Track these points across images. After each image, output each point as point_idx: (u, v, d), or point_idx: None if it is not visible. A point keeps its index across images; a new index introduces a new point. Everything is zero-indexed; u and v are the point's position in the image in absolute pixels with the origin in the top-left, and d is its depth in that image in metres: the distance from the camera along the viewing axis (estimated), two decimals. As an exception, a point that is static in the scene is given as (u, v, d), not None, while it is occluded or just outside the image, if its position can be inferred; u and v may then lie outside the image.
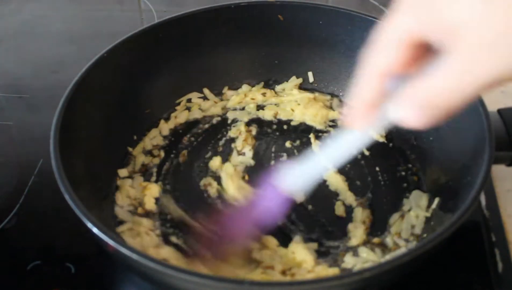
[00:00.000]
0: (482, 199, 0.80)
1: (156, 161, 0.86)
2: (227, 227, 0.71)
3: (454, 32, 0.43)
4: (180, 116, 0.92)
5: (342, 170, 0.82)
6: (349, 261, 0.71)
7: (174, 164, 0.86)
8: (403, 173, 0.83)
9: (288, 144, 0.88)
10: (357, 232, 0.74)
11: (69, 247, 0.76)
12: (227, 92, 0.96)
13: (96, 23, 1.19)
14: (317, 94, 0.95)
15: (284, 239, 0.74)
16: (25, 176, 0.85)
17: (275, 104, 0.94)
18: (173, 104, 0.93)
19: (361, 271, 0.57)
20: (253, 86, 0.97)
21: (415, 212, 0.76)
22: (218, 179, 0.83)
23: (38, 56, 1.10)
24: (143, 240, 0.73)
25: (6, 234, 0.78)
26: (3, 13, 1.22)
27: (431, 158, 0.81)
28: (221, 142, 0.89)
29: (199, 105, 0.94)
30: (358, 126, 0.56)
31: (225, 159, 0.86)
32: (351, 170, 0.83)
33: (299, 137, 0.89)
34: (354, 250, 0.73)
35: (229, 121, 0.92)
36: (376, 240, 0.74)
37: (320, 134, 0.90)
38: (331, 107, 0.94)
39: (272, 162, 0.86)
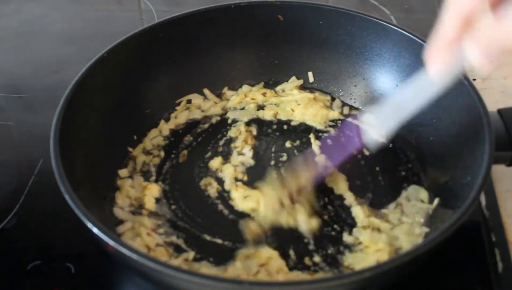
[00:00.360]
0: (482, 199, 0.80)
1: (156, 161, 0.86)
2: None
3: None
4: (180, 116, 0.92)
5: (342, 170, 0.82)
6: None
7: (174, 164, 0.86)
8: (403, 173, 0.83)
9: (288, 144, 0.88)
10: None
11: (69, 247, 0.76)
12: (227, 92, 0.96)
13: (96, 23, 1.19)
14: (317, 94, 0.95)
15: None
16: (25, 176, 0.85)
17: (275, 104, 0.94)
18: (173, 104, 0.93)
19: (361, 271, 0.57)
20: (253, 86, 0.97)
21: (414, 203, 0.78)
22: (218, 179, 0.83)
23: (38, 56, 1.10)
24: (143, 240, 0.73)
25: (6, 234, 0.78)
26: (3, 13, 1.22)
27: (431, 158, 0.81)
28: (221, 142, 0.89)
29: (199, 105, 0.94)
30: (436, 62, 0.59)
31: (225, 159, 0.86)
32: (351, 170, 0.83)
33: (299, 137, 0.89)
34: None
35: (229, 121, 0.92)
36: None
37: (320, 134, 0.90)
38: (331, 107, 0.94)
39: (272, 162, 0.86)
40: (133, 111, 0.87)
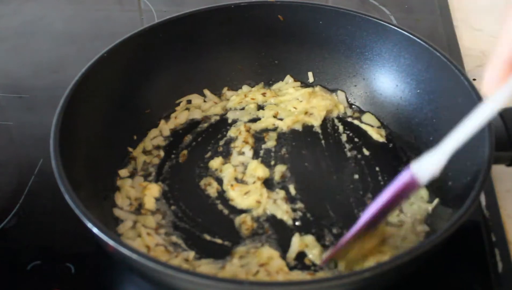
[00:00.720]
0: (482, 199, 0.80)
1: (156, 161, 0.86)
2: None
3: None
4: (180, 116, 0.92)
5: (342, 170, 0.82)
6: None
7: (174, 164, 0.86)
8: (403, 173, 0.82)
9: (288, 144, 0.88)
10: None
11: (69, 247, 0.76)
12: (227, 92, 0.96)
13: (96, 23, 1.19)
14: (317, 88, 0.95)
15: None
16: (25, 176, 0.85)
17: (275, 104, 0.94)
18: (173, 104, 0.93)
19: (361, 271, 0.57)
20: (253, 86, 0.97)
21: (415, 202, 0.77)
22: (218, 179, 0.83)
23: (38, 56, 1.10)
24: (143, 240, 0.74)
25: (6, 234, 0.77)
26: (3, 13, 1.22)
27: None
28: (221, 142, 0.89)
29: (199, 106, 0.94)
30: (494, 87, 0.56)
31: (225, 159, 0.86)
32: (351, 170, 0.83)
33: (299, 136, 0.89)
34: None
35: (229, 121, 0.92)
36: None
37: (320, 134, 0.90)
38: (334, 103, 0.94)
39: (272, 162, 0.86)
40: (133, 111, 0.87)
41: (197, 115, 0.93)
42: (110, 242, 0.59)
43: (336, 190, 0.81)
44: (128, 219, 0.77)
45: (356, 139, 0.88)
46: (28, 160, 0.88)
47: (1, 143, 0.93)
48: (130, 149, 0.86)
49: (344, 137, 0.89)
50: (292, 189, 0.81)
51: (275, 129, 0.91)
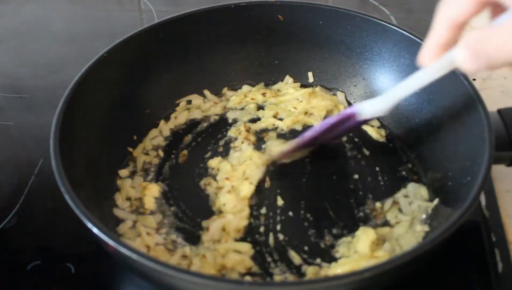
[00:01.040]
0: (482, 199, 0.80)
1: (156, 161, 0.86)
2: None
3: None
4: (180, 117, 0.92)
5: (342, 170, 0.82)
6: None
7: (174, 164, 0.86)
8: (403, 173, 0.82)
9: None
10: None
11: (69, 247, 0.76)
12: (226, 92, 0.96)
13: (96, 23, 1.19)
14: (317, 88, 0.95)
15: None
16: (25, 176, 0.85)
17: (275, 104, 0.94)
18: (173, 105, 0.93)
19: (361, 271, 0.57)
20: (253, 86, 0.97)
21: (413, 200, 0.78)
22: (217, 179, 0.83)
23: (38, 56, 1.10)
24: (143, 240, 0.74)
25: (6, 234, 0.78)
26: (3, 13, 1.22)
27: (431, 158, 0.81)
28: (221, 142, 0.89)
29: (199, 106, 0.94)
30: (427, 62, 0.64)
31: (224, 158, 0.86)
32: (351, 170, 0.83)
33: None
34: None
35: (229, 121, 0.92)
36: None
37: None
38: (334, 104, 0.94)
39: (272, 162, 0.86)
40: (133, 111, 0.87)
41: (197, 115, 0.93)
42: (110, 242, 0.59)
43: (336, 190, 0.81)
44: (128, 219, 0.77)
45: (356, 139, 0.88)
46: (28, 160, 0.88)
47: (1, 143, 0.93)
48: (130, 149, 0.86)
49: (344, 137, 0.89)
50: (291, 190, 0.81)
51: (275, 129, 0.91)
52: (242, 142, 0.87)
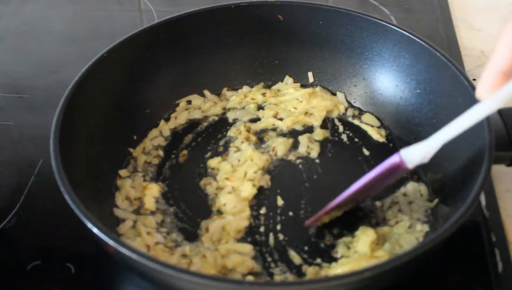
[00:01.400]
0: (482, 199, 0.80)
1: (156, 161, 0.86)
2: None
3: None
4: (180, 117, 0.92)
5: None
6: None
7: (174, 164, 0.86)
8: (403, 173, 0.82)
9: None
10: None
11: (69, 247, 0.76)
12: (226, 92, 0.96)
13: (96, 23, 1.19)
14: (317, 88, 0.95)
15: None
16: (25, 176, 0.85)
17: (275, 104, 0.94)
18: (173, 105, 0.93)
19: (361, 271, 0.57)
20: (253, 86, 0.97)
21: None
22: (217, 178, 0.83)
23: (38, 56, 1.10)
24: (143, 240, 0.74)
25: (6, 234, 0.78)
26: (3, 13, 1.22)
27: (431, 158, 0.81)
28: (221, 142, 0.89)
29: (199, 106, 0.94)
30: (486, 93, 0.59)
31: (225, 159, 0.86)
32: (352, 170, 0.83)
33: (299, 136, 0.89)
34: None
35: (229, 121, 0.92)
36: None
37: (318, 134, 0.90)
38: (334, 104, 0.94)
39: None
40: (133, 111, 0.87)
41: (197, 115, 0.93)
42: (110, 242, 0.59)
43: (336, 190, 0.81)
44: (128, 219, 0.77)
45: (356, 139, 0.88)
46: (28, 160, 0.88)
47: (1, 143, 0.93)
48: (130, 149, 0.86)
49: (344, 137, 0.89)
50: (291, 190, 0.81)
51: (275, 129, 0.91)
52: (242, 142, 0.87)
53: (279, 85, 0.97)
